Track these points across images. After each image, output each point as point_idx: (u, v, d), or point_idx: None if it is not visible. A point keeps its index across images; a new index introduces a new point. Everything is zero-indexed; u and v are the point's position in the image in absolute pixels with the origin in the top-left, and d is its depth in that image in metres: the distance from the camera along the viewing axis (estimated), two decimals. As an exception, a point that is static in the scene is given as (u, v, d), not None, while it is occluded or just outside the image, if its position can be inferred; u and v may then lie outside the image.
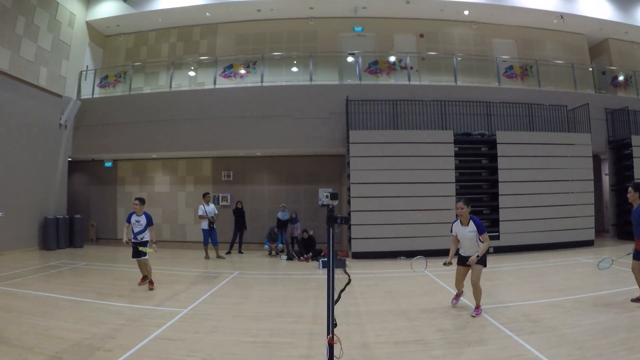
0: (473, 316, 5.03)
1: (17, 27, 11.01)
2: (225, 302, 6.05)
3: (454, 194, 10.61)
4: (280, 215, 11.92)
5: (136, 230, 6.87)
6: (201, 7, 13.65)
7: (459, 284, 5.59)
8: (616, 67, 14.88)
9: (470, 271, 5.29)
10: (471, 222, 5.22)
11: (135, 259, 6.93)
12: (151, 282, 6.88)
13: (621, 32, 14.92)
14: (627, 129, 12.56)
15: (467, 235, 5.25)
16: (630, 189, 5.64)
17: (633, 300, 5.47)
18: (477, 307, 5.19)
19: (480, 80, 13.36)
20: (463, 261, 5.41)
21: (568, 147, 11.36)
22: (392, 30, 14.38)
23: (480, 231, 5.14)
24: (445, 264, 5.32)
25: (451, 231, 5.45)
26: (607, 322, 4.68)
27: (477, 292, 5.16)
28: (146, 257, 6.86)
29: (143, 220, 6.91)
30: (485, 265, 5.24)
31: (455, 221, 5.43)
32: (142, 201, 7.01)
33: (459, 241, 5.43)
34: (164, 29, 14.83)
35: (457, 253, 5.50)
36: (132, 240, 6.89)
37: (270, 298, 6.37)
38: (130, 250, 7.06)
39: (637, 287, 5.48)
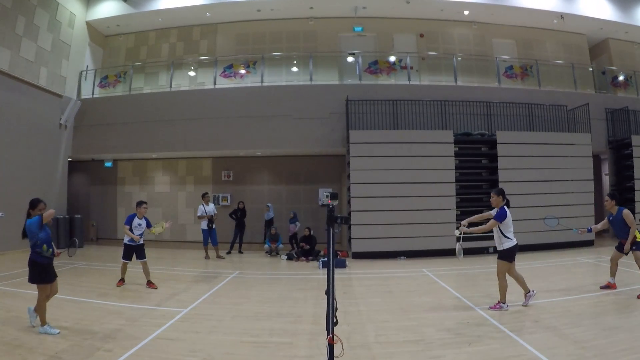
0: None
1: (17, 27, 11.00)
2: (225, 302, 6.05)
3: (454, 194, 10.62)
4: (265, 215, 12.39)
5: (137, 232, 7.06)
6: (201, 7, 13.64)
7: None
8: (616, 67, 14.86)
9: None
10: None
11: (139, 260, 7.03)
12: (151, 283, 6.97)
13: (621, 32, 14.92)
14: (627, 129, 12.54)
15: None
16: (607, 197, 6.09)
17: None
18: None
19: (480, 80, 13.34)
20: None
21: (568, 147, 11.36)
22: (392, 30, 14.37)
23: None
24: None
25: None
26: (607, 322, 4.68)
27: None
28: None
29: (144, 223, 7.17)
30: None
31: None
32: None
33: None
34: (164, 29, 14.83)
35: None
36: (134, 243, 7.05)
37: (270, 298, 6.37)
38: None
39: None
